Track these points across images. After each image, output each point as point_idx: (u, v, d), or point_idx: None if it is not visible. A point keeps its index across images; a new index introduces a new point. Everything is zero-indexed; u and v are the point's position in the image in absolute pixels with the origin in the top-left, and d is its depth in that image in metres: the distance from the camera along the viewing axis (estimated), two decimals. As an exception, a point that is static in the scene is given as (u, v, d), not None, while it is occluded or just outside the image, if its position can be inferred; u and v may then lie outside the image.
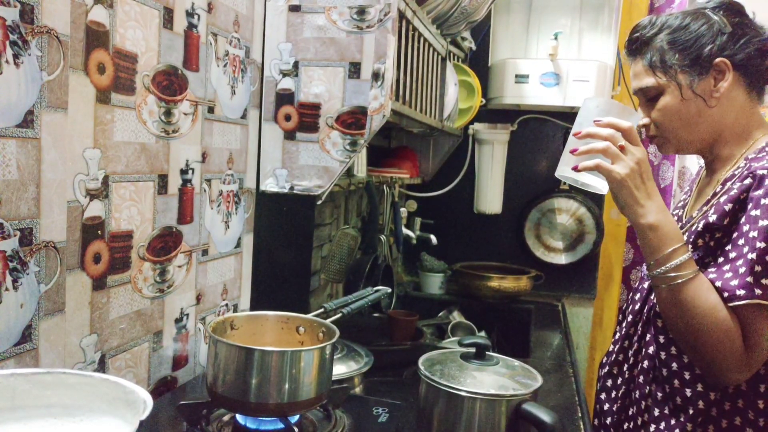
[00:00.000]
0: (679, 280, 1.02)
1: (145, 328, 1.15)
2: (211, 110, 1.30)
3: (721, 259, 1.04)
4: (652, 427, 1.15)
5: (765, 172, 1.02)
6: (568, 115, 2.54)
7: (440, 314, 2.27)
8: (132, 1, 1.04)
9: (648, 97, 1.18)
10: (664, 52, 1.14)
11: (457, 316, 2.23)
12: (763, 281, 0.97)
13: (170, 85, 1.16)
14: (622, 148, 1.04)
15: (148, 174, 1.12)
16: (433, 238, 2.40)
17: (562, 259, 2.54)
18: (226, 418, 1.07)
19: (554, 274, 2.51)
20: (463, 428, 1.01)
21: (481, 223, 2.61)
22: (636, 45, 1.19)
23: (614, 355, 1.30)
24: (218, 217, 1.36)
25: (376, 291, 1.35)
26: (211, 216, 1.33)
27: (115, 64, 1.01)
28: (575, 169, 1.06)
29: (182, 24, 1.18)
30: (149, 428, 1.00)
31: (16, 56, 0.83)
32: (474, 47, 2.51)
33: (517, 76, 2.35)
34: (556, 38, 2.28)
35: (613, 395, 1.28)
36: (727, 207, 1.04)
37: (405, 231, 2.28)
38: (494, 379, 1.05)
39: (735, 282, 1.00)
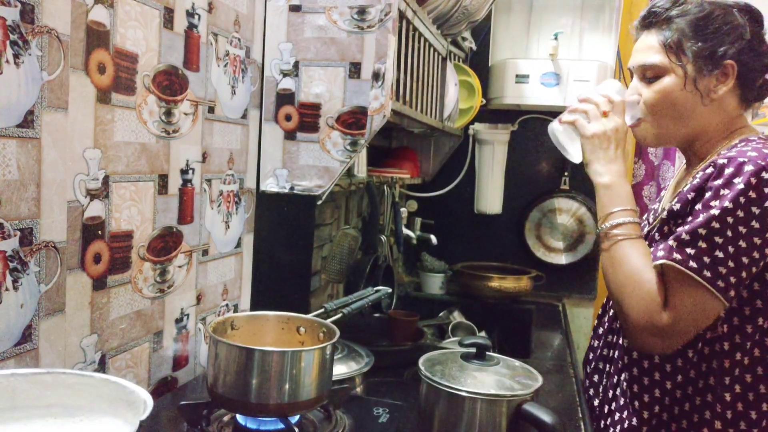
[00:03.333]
0: (618, 238, 1.09)
1: (145, 329, 1.15)
2: (211, 110, 1.30)
3: None
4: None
5: (725, 161, 1.03)
6: (569, 115, 2.54)
7: (441, 314, 2.27)
8: (132, 1, 1.04)
9: (647, 76, 1.16)
10: (684, 36, 1.11)
11: (457, 317, 2.23)
12: (687, 249, 1.00)
13: (170, 85, 1.16)
14: (605, 114, 1.14)
15: (148, 174, 1.12)
16: (434, 239, 2.39)
17: (562, 259, 2.54)
18: (226, 418, 1.07)
19: (555, 274, 2.51)
20: (464, 429, 1.01)
21: (482, 223, 2.61)
22: (655, 19, 1.16)
23: (599, 351, 1.30)
24: (218, 217, 1.36)
25: (377, 291, 1.34)
26: (212, 216, 1.33)
27: (115, 64, 1.01)
28: (560, 121, 1.19)
29: (183, 24, 1.18)
30: (149, 428, 1.00)
31: (16, 56, 0.83)
32: (474, 47, 2.50)
33: (517, 76, 2.35)
34: (556, 38, 2.28)
35: (601, 390, 1.29)
36: (690, 196, 1.07)
37: (405, 231, 2.28)
38: (495, 379, 1.05)
39: (661, 245, 1.04)
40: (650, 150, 2.78)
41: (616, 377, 1.23)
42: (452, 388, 1.02)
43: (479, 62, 2.51)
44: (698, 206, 1.03)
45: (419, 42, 1.67)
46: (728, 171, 1.01)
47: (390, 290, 1.49)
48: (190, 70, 1.21)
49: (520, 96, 2.37)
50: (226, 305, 1.43)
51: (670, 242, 1.03)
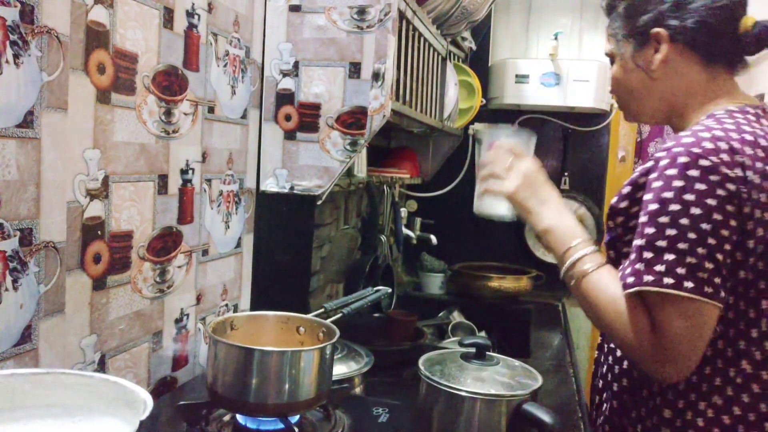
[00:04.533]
0: (579, 276, 1.02)
1: (144, 329, 1.15)
2: (211, 110, 1.30)
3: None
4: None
5: (663, 154, 0.96)
6: (569, 115, 2.54)
7: (440, 314, 2.26)
8: (132, 1, 1.04)
9: (611, 64, 1.18)
10: (619, 20, 1.12)
11: (457, 317, 2.23)
12: (657, 267, 0.92)
13: (170, 85, 1.16)
14: (508, 168, 1.11)
15: (148, 174, 1.12)
16: (433, 238, 2.39)
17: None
18: (226, 418, 1.07)
19: (554, 274, 2.47)
20: (463, 428, 1.01)
21: (482, 223, 2.60)
22: (605, 7, 1.18)
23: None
24: (218, 217, 1.36)
25: (376, 291, 1.35)
26: (211, 216, 1.33)
27: (115, 64, 1.01)
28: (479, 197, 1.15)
29: (182, 24, 1.18)
30: (149, 428, 1.00)
31: (16, 56, 0.83)
32: (474, 47, 2.50)
33: (517, 76, 2.35)
34: (556, 38, 2.28)
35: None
36: (625, 190, 1.01)
37: (405, 231, 2.28)
38: (494, 379, 1.05)
39: (628, 270, 0.96)
40: (650, 150, 2.78)
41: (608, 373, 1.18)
42: (452, 388, 1.02)
43: (479, 62, 2.51)
44: (643, 217, 0.95)
45: (419, 42, 1.67)
46: (662, 163, 0.95)
47: (389, 290, 1.50)
48: (189, 70, 1.21)
49: (520, 96, 2.37)
50: (226, 305, 1.43)
51: (637, 266, 0.94)
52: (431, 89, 1.87)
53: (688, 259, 0.91)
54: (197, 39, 1.23)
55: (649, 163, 0.98)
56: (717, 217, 0.91)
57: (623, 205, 1.02)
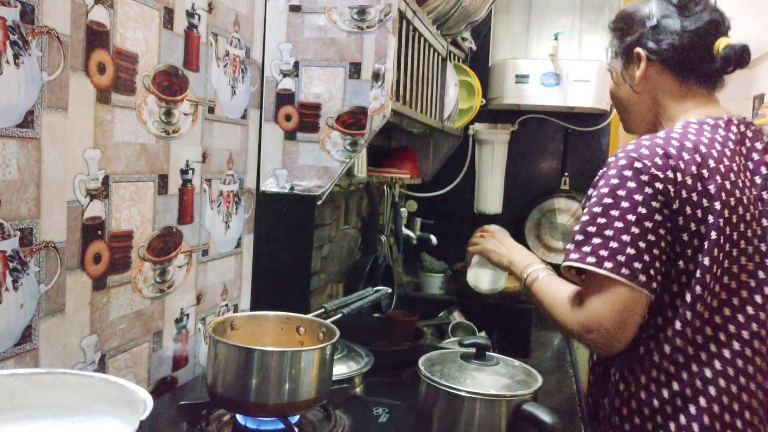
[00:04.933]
0: (530, 282, 1.26)
1: (145, 329, 1.15)
2: (211, 110, 1.30)
3: None
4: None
5: (612, 159, 1.12)
6: (569, 115, 2.54)
7: (440, 314, 2.27)
8: (132, 2, 1.04)
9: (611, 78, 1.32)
10: (612, 39, 1.29)
11: (457, 317, 2.23)
12: (584, 249, 1.07)
13: (170, 85, 1.16)
14: (482, 236, 1.45)
15: (148, 174, 1.12)
16: (433, 239, 2.39)
17: (562, 259, 2.54)
18: (226, 418, 1.07)
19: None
20: (463, 429, 1.01)
21: (481, 223, 2.59)
22: (609, 29, 1.32)
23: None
24: (218, 217, 1.36)
25: (376, 291, 1.35)
26: (211, 216, 1.33)
27: (115, 65, 1.01)
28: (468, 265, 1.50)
29: (182, 24, 1.18)
30: (149, 428, 1.00)
31: (16, 56, 0.83)
32: (474, 47, 2.50)
33: (517, 76, 2.35)
34: (556, 38, 2.28)
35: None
36: (589, 191, 1.16)
37: (405, 231, 2.28)
38: (494, 379, 1.05)
39: (566, 249, 1.14)
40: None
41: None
42: (452, 388, 1.02)
43: (479, 62, 2.51)
44: (584, 209, 1.12)
45: (419, 42, 1.67)
46: (608, 165, 1.11)
47: (389, 290, 1.49)
48: (190, 70, 1.21)
49: (520, 96, 2.37)
50: (226, 305, 1.43)
51: (569, 246, 1.11)
52: (431, 89, 1.87)
53: (611, 244, 1.05)
54: (197, 39, 1.23)
55: (604, 168, 1.14)
56: (642, 210, 1.05)
57: (582, 203, 1.18)
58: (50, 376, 0.79)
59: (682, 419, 1.08)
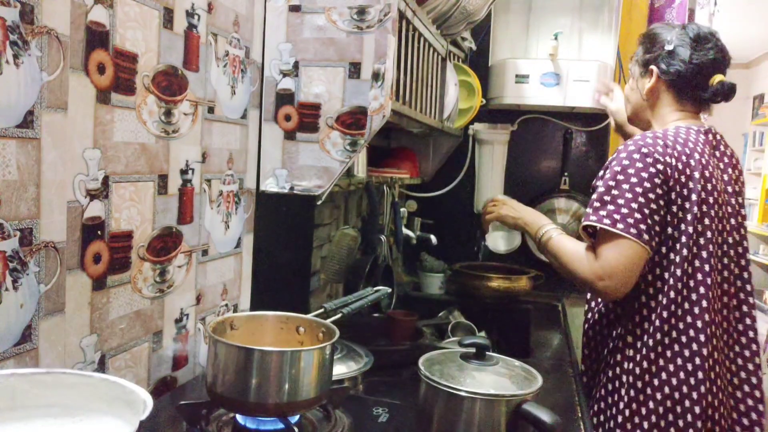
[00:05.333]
0: (546, 240, 1.56)
1: (144, 328, 1.15)
2: (211, 110, 1.30)
3: None
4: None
5: (621, 147, 1.43)
6: (569, 115, 2.54)
7: (440, 314, 2.26)
8: (132, 2, 1.04)
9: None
10: (638, 50, 1.59)
11: (457, 317, 2.23)
12: (600, 212, 1.37)
13: (170, 85, 1.16)
14: (494, 205, 1.79)
15: (148, 174, 1.12)
16: (433, 238, 2.39)
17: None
18: (225, 418, 1.07)
19: (554, 274, 2.49)
20: (463, 428, 1.01)
21: (481, 223, 2.60)
22: (639, 40, 1.63)
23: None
24: (218, 217, 1.36)
25: (376, 291, 1.35)
26: (211, 216, 1.33)
27: (115, 65, 1.02)
28: (485, 231, 1.90)
29: (182, 24, 1.18)
30: (149, 428, 1.00)
31: (16, 56, 0.83)
32: (474, 47, 2.50)
33: (517, 76, 2.35)
34: (556, 38, 2.28)
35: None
36: (600, 173, 1.47)
37: (405, 231, 2.28)
38: (494, 379, 1.05)
39: (586, 213, 1.43)
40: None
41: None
42: (451, 387, 1.02)
43: (479, 62, 2.51)
44: (600, 181, 1.43)
45: (419, 42, 1.67)
46: (620, 150, 1.42)
47: (389, 290, 1.50)
48: (189, 70, 1.21)
49: (520, 96, 2.37)
50: (226, 305, 1.43)
51: (588, 210, 1.40)
52: (431, 89, 1.87)
53: (623, 210, 1.35)
54: (197, 39, 1.23)
55: (615, 154, 1.45)
56: (647, 184, 1.36)
57: (594, 182, 1.48)
58: (50, 376, 0.79)
59: (676, 347, 1.40)
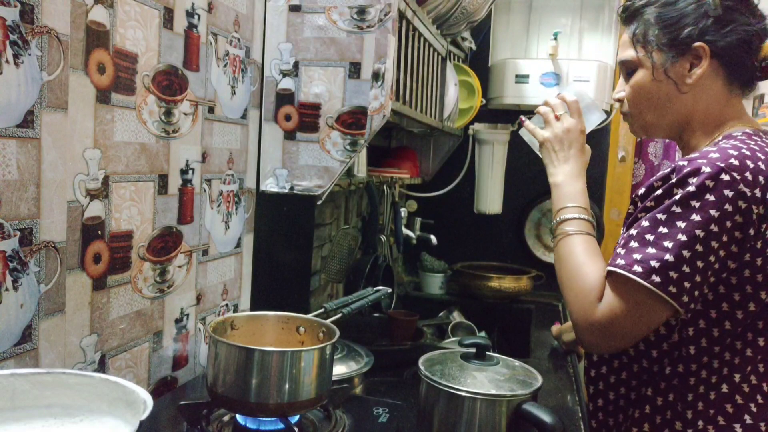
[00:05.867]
0: (566, 233, 1.12)
1: (145, 328, 1.15)
2: (211, 110, 1.30)
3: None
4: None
5: (684, 162, 0.99)
6: (569, 115, 2.54)
7: (440, 314, 2.27)
8: (132, 1, 1.04)
9: (627, 71, 1.15)
10: (649, 27, 1.09)
11: (457, 317, 2.23)
12: (635, 256, 0.97)
13: (170, 85, 1.16)
14: (557, 118, 1.22)
15: (148, 174, 1.12)
16: (433, 238, 2.39)
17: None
18: (226, 418, 1.07)
19: (554, 274, 2.50)
20: (464, 428, 1.01)
21: (482, 223, 2.60)
22: (627, 14, 1.14)
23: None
24: (218, 217, 1.36)
25: (377, 291, 1.35)
26: (211, 216, 1.33)
27: (115, 64, 1.01)
28: (522, 121, 1.33)
29: (182, 24, 1.18)
30: (149, 428, 1.00)
31: (16, 56, 0.83)
32: (474, 47, 2.50)
33: (517, 76, 2.35)
34: (555, 38, 2.28)
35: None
36: (648, 183, 1.04)
37: (405, 231, 2.28)
38: (494, 379, 1.05)
39: (616, 251, 1.02)
40: (650, 150, 2.78)
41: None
42: (452, 388, 1.02)
43: (479, 62, 2.51)
44: (648, 205, 1.00)
45: (419, 42, 1.67)
46: (686, 171, 0.97)
47: (390, 290, 1.50)
48: (189, 70, 1.21)
49: (520, 96, 2.36)
50: (226, 305, 1.43)
51: (619, 249, 1.00)
52: (431, 89, 1.87)
53: (666, 257, 0.94)
54: (197, 39, 1.23)
55: (669, 170, 1.01)
56: (714, 228, 0.94)
57: (641, 192, 1.04)
58: (50, 376, 0.79)
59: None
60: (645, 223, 0.98)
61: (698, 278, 0.95)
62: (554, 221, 1.16)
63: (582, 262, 1.07)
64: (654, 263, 0.95)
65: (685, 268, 0.94)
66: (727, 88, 1.09)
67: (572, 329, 1.48)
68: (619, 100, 1.19)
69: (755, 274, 0.98)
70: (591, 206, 1.18)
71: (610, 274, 1.00)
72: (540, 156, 1.26)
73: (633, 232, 0.99)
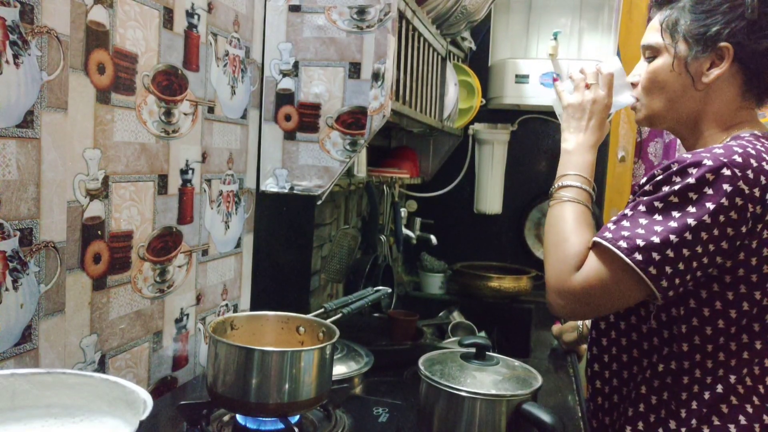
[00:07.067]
0: (557, 200, 1.12)
1: (145, 328, 1.15)
2: (211, 110, 1.30)
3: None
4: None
5: (688, 155, 0.99)
6: (568, 115, 2.54)
7: (440, 314, 2.27)
8: (132, 1, 1.04)
9: (647, 56, 1.14)
10: (682, 15, 1.07)
11: (457, 316, 2.23)
12: (623, 232, 0.97)
13: (170, 85, 1.16)
14: (588, 86, 1.17)
15: (148, 174, 1.12)
16: (433, 238, 2.40)
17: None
18: (226, 418, 1.07)
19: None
20: (464, 428, 1.01)
21: (481, 223, 2.61)
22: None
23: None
24: (218, 217, 1.36)
25: (376, 291, 1.35)
26: (211, 216, 1.33)
27: (115, 64, 1.01)
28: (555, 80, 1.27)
29: (182, 24, 1.18)
30: (149, 428, 1.00)
31: (16, 56, 0.83)
32: (474, 47, 2.50)
33: (517, 76, 2.35)
34: (555, 38, 2.28)
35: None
36: (649, 173, 1.04)
37: (405, 231, 2.28)
38: (494, 379, 1.05)
39: (606, 225, 1.03)
40: (650, 150, 2.78)
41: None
42: (452, 387, 1.02)
43: (479, 62, 2.51)
44: (647, 189, 1.00)
45: (419, 42, 1.67)
46: (688, 161, 0.97)
47: (390, 290, 1.50)
48: (189, 70, 1.21)
49: (520, 96, 2.37)
50: (226, 305, 1.43)
51: (609, 224, 1.01)
52: (431, 89, 1.87)
53: (653, 238, 0.95)
54: (197, 39, 1.23)
55: (671, 161, 1.00)
56: (706, 219, 0.94)
57: (642, 182, 1.04)
58: (50, 376, 0.79)
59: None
60: (641, 207, 0.98)
61: (681, 266, 0.95)
62: (554, 185, 1.14)
63: (570, 229, 1.07)
64: (639, 242, 0.95)
65: (669, 253, 0.94)
66: (741, 96, 1.07)
67: (573, 329, 1.50)
68: (633, 85, 1.17)
69: (750, 273, 0.98)
70: (591, 206, 1.16)
71: (595, 244, 1.01)
72: (559, 119, 1.23)
73: (628, 212, 1.00)
